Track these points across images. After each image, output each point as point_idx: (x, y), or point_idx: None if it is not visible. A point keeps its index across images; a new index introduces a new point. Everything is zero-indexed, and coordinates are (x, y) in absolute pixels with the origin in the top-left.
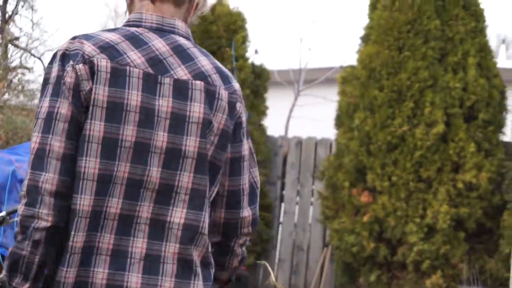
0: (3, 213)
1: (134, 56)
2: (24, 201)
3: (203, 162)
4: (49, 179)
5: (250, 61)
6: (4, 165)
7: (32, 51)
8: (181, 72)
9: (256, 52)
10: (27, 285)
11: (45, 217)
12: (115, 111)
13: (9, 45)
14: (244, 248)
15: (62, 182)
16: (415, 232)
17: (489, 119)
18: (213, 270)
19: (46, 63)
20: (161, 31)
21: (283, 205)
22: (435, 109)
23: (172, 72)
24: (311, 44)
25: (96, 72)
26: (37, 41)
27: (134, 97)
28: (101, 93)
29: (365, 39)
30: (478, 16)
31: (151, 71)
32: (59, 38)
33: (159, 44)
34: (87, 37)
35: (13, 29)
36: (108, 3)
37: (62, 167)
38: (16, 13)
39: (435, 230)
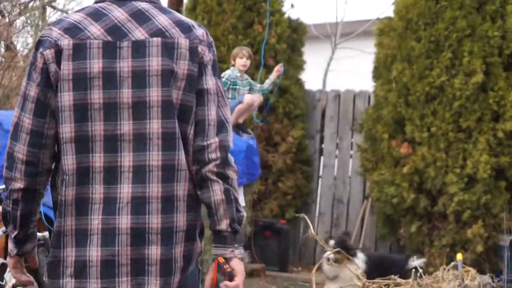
0: None
1: (94, 29)
2: (5, 164)
3: (168, 107)
4: (20, 149)
5: (286, 15)
6: None
7: (69, 12)
8: (138, 33)
9: (292, 6)
10: (15, 232)
11: (18, 180)
12: (79, 81)
13: (47, 7)
14: (221, 179)
15: (31, 152)
16: (455, 183)
17: None
18: (197, 207)
19: None
20: (123, 0)
21: (322, 158)
22: (474, 58)
23: (130, 35)
24: None
25: (59, 50)
26: (74, 2)
27: (95, 65)
28: (66, 68)
29: None
30: None
31: (110, 39)
32: None
33: (117, 13)
34: (57, 22)
35: None
36: None
37: (30, 140)
38: None
39: (476, 180)
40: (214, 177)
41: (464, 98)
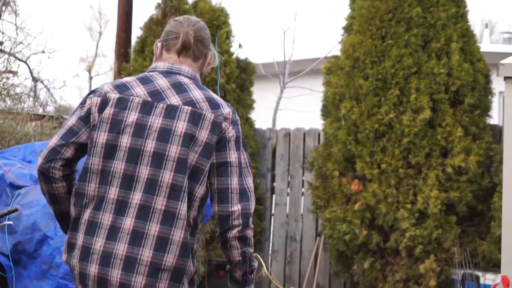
0: None
1: (139, 90)
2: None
3: (182, 164)
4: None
5: (235, 56)
6: None
7: (17, 55)
8: (174, 100)
9: (240, 46)
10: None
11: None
12: (115, 125)
13: None
14: (241, 242)
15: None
16: (406, 218)
17: (475, 103)
18: (191, 251)
19: (31, 66)
20: (169, 73)
21: (274, 196)
22: (421, 95)
23: (166, 99)
24: (294, 36)
25: (105, 101)
26: (21, 45)
27: (131, 116)
28: (107, 112)
29: (347, 29)
30: (459, 1)
31: (149, 99)
32: (43, 40)
33: (161, 82)
34: (112, 81)
35: None
36: (93, 5)
37: (47, 153)
38: None
39: (427, 215)
40: (235, 243)
41: (413, 134)
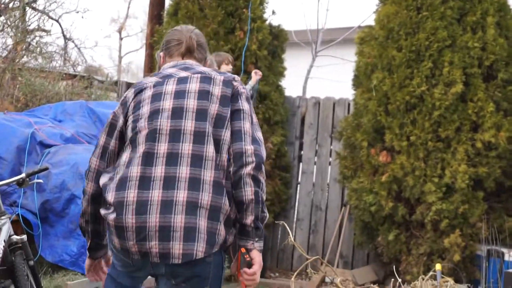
0: (23, 175)
1: (150, 79)
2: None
3: (201, 114)
4: (94, 162)
5: (267, 22)
6: (23, 128)
7: (50, 14)
8: (184, 74)
9: (273, 13)
10: (90, 240)
11: (89, 185)
12: (137, 106)
13: (27, 8)
14: (254, 182)
15: (99, 165)
16: (433, 192)
17: (508, 79)
18: (225, 190)
19: (63, 25)
20: (176, 64)
21: (301, 165)
22: (454, 68)
23: (176, 76)
24: (328, 4)
25: (131, 95)
26: (55, 4)
27: (147, 93)
28: (130, 104)
29: None
30: None
31: (160, 80)
32: (76, 0)
33: (170, 70)
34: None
35: None
36: None
37: (101, 153)
38: None
39: (454, 190)
40: (248, 180)
41: (444, 108)
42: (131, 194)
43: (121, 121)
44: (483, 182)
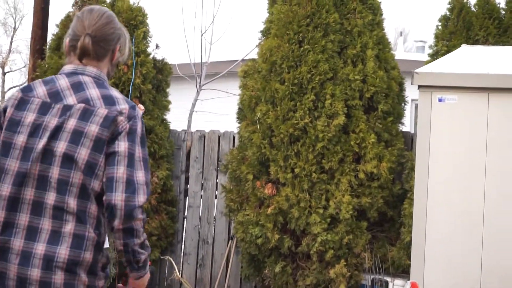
0: None
1: (40, 90)
2: None
3: (68, 159)
4: None
5: (151, 56)
6: None
7: None
8: (71, 99)
9: (157, 47)
10: None
11: None
12: (13, 124)
13: None
14: (124, 233)
15: None
16: (318, 223)
17: (388, 110)
18: (87, 242)
19: None
20: (74, 74)
21: (187, 199)
22: (336, 101)
23: (64, 100)
24: (212, 38)
25: (9, 103)
26: None
27: (28, 117)
28: (9, 112)
29: (265, 33)
30: (375, 9)
31: (48, 100)
32: None
33: (62, 82)
34: (23, 85)
35: None
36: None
37: None
38: None
39: (338, 220)
40: (118, 234)
41: (327, 139)
42: None
43: None
44: (367, 212)
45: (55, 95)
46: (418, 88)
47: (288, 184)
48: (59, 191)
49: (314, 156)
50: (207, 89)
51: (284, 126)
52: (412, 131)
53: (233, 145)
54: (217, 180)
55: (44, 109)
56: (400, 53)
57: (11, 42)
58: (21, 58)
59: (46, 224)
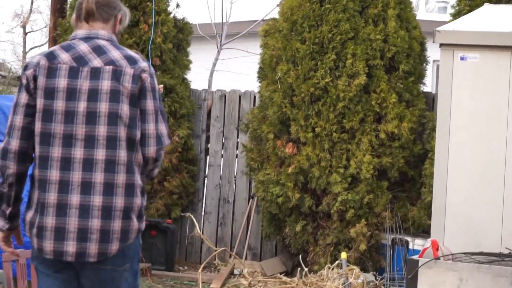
0: None
1: (64, 56)
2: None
3: (113, 117)
4: (14, 144)
5: (172, 15)
6: None
7: None
8: (96, 62)
9: (178, 6)
10: (10, 208)
11: (11, 167)
12: (50, 92)
13: None
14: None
15: (21, 145)
16: (339, 182)
17: (409, 70)
18: (136, 189)
19: None
20: (89, 38)
21: (208, 158)
22: (357, 60)
23: (90, 63)
24: None
25: (38, 71)
26: None
27: (61, 82)
28: (41, 82)
29: None
30: None
31: (74, 64)
32: None
33: (83, 47)
34: (41, 52)
35: None
36: None
37: (21, 135)
38: None
39: (359, 180)
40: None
41: (348, 99)
42: (52, 197)
43: (29, 97)
44: (387, 172)
45: (80, 59)
46: (440, 47)
47: (309, 143)
48: (109, 146)
49: (335, 116)
50: (227, 49)
51: (305, 85)
52: (434, 92)
53: (254, 105)
54: (238, 139)
55: (73, 73)
56: (422, 13)
57: (32, 2)
58: (42, 18)
59: (98, 178)
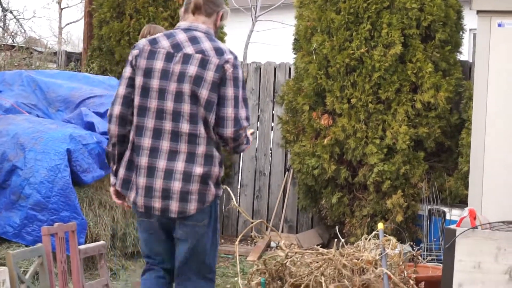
0: None
1: (164, 43)
2: (107, 121)
3: (195, 97)
4: (116, 109)
5: None
6: None
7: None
8: (189, 49)
9: None
10: (115, 165)
11: (114, 129)
12: (148, 72)
13: None
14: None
15: (121, 110)
16: (375, 153)
17: (446, 39)
18: (215, 159)
19: None
20: (189, 29)
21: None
22: (392, 30)
23: (183, 50)
24: None
25: (141, 52)
26: None
27: (158, 64)
28: (141, 62)
29: None
30: None
31: (171, 50)
32: None
33: (181, 36)
34: (148, 38)
35: None
36: None
37: (122, 102)
38: None
39: (395, 151)
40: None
41: (383, 69)
42: (143, 160)
43: (132, 72)
44: (424, 142)
45: (176, 46)
46: (477, 13)
47: (344, 114)
48: (191, 122)
49: (371, 86)
50: (262, 21)
51: (340, 56)
52: (471, 60)
53: (289, 76)
54: (273, 112)
55: (168, 57)
56: None
57: None
58: None
59: (183, 148)
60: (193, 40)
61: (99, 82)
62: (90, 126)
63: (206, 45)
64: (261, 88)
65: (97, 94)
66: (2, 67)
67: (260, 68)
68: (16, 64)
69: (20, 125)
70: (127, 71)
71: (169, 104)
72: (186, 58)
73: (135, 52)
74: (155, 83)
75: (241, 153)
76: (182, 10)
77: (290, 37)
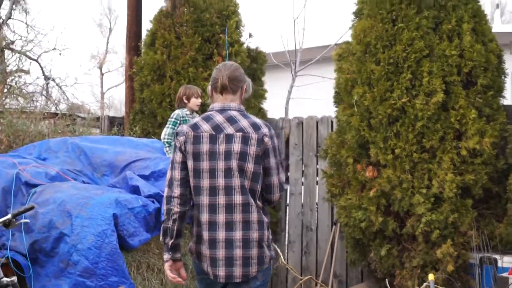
0: (9, 216)
1: (205, 127)
2: (165, 202)
3: (242, 171)
4: (176, 191)
5: (245, 45)
6: (7, 169)
7: (28, 53)
8: (230, 130)
9: (250, 35)
10: (172, 240)
11: (175, 208)
12: (197, 155)
13: (5, 50)
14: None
15: (181, 192)
16: (422, 203)
17: (488, 84)
18: (265, 224)
19: (42, 64)
20: (223, 110)
21: (289, 186)
22: (433, 78)
23: (224, 131)
24: (305, 24)
25: (187, 138)
26: (32, 43)
27: (204, 147)
28: (189, 147)
29: (358, 14)
30: None
31: (213, 132)
32: (54, 38)
33: (219, 118)
34: (188, 123)
35: (7, 33)
36: (102, 1)
37: (180, 184)
38: (10, 17)
39: (442, 199)
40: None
41: (426, 118)
42: (205, 234)
43: (183, 157)
44: (471, 189)
45: (217, 128)
46: None
47: (389, 165)
48: (242, 193)
49: (414, 136)
50: (302, 75)
51: (382, 107)
52: None
53: (332, 130)
54: (317, 166)
55: (212, 139)
56: (497, 26)
57: (107, 42)
58: (117, 58)
59: (238, 217)
60: (231, 120)
61: (143, 145)
62: (135, 190)
63: (243, 123)
64: (304, 142)
65: (142, 157)
66: (47, 135)
67: (302, 123)
68: (60, 131)
69: (66, 192)
70: (178, 156)
71: (220, 181)
72: (229, 138)
73: (181, 138)
74: (205, 164)
75: (287, 210)
76: (209, 88)
77: (329, 90)
